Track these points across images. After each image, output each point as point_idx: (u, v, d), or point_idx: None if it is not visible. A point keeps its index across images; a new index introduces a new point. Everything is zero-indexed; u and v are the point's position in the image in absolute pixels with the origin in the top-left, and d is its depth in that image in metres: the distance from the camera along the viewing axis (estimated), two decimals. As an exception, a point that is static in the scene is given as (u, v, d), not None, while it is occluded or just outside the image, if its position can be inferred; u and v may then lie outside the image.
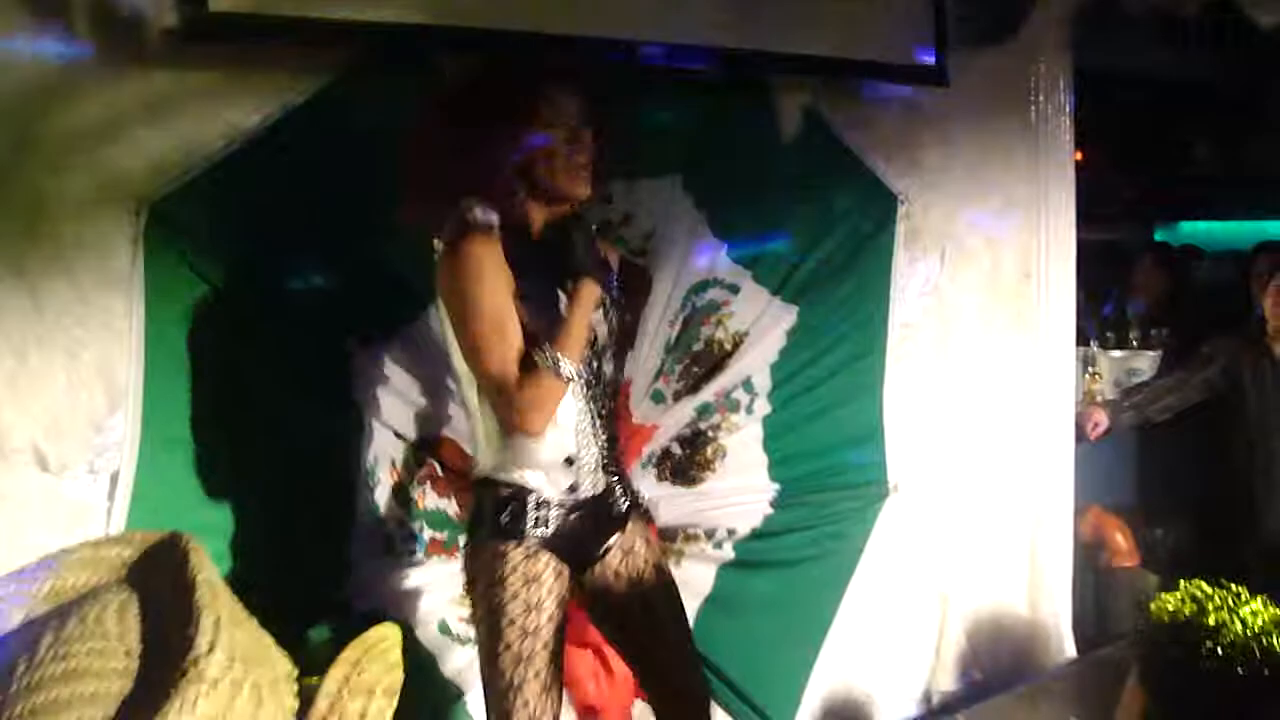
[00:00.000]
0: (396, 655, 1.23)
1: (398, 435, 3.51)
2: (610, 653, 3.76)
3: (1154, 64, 7.54)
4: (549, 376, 2.78)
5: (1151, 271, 6.70)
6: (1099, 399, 5.56)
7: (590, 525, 3.01)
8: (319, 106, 3.25)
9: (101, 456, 3.10)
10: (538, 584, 2.88)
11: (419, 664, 3.49)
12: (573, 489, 2.96)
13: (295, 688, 1.11)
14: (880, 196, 4.39)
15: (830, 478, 4.30)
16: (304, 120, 3.23)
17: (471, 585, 3.01)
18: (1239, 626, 1.18)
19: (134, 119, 3.03)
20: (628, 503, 3.12)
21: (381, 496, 3.51)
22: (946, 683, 4.79)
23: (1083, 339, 5.47)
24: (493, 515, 2.92)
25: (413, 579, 3.55)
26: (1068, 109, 4.89)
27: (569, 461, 2.94)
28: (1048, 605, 5.00)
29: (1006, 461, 4.89)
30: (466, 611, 3.58)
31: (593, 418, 2.97)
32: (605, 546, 3.08)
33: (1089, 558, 5.49)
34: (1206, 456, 5.37)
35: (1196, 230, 10.01)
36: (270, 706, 1.04)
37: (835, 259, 4.23)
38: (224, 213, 3.16)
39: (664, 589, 3.18)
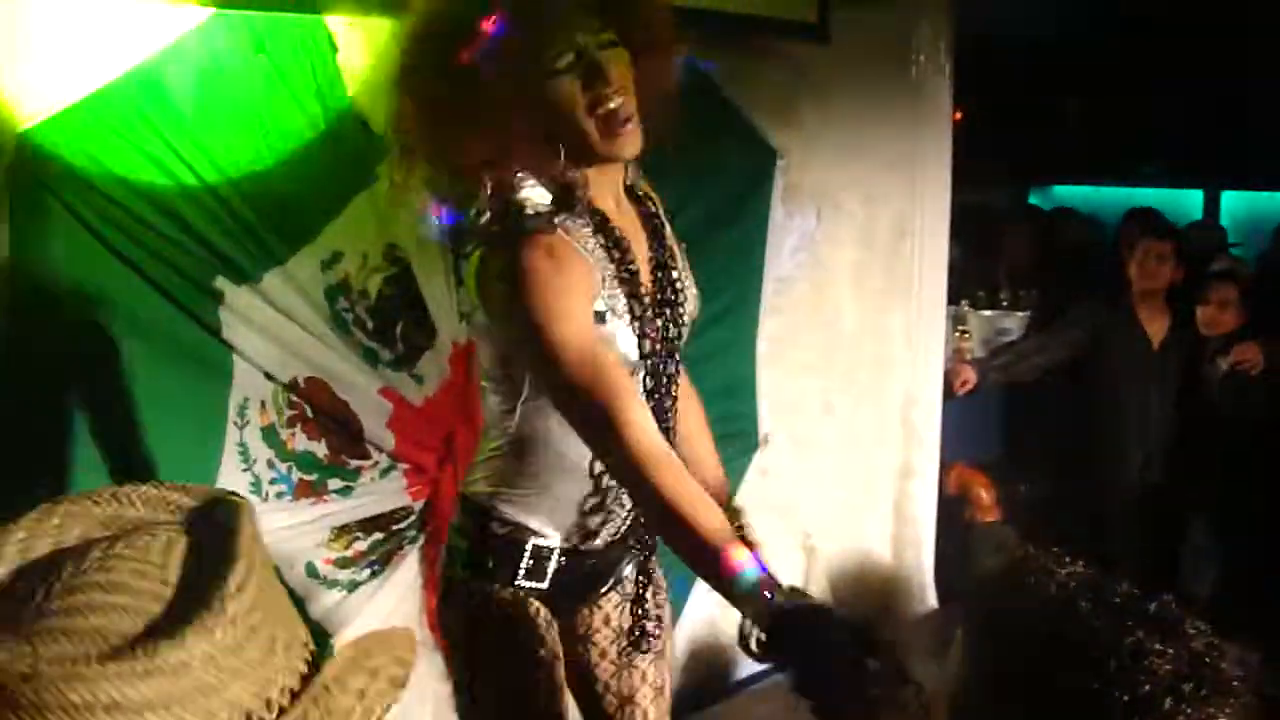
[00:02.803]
0: (408, 654, 1.27)
1: (268, 376, 3.47)
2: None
3: (1035, 28, 7.65)
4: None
5: (1022, 234, 6.83)
6: (968, 357, 5.67)
7: (593, 573, 2.56)
8: (198, 41, 3.18)
9: (-40, 392, 3.03)
10: (528, 632, 2.45)
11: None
12: (586, 537, 2.48)
13: (308, 654, 1.16)
14: (759, 151, 4.40)
15: (701, 428, 4.34)
16: (182, 55, 3.17)
17: (447, 633, 2.66)
18: (1053, 589, 1.21)
19: (4, 45, 2.94)
20: (646, 554, 2.58)
21: (250, 438, 3.48)
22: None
23: (954, 297, 5.56)
24: (478, 552, 2.47)
25: (281, 522, 3.52)
26: (947, 69, 4.94)
27: (591, 510, 2.45)
28: (912, 557, 5.11)
29: (875, 416, 4.96)
30: (334, 555, 3.59)
31: None
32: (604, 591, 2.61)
33: (953, 512, 5.60)
34: (1071, 416, 5.50)
35: (1070, 194, 10.20)
36: (281, 659, 1.11)
37: (712, 212, 4.23)
38: (96, 146, 3.08)
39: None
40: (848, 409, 4.86)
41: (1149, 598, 1.19)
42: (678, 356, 2.46)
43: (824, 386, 4.78)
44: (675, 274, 2.48)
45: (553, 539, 2.43)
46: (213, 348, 3.35)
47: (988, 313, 6.33)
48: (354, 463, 3.60)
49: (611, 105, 2.20)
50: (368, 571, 3.64)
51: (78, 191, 3.06)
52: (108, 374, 3.19)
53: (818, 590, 4.87)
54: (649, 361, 2.34)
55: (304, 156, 3.35)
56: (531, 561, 2.41)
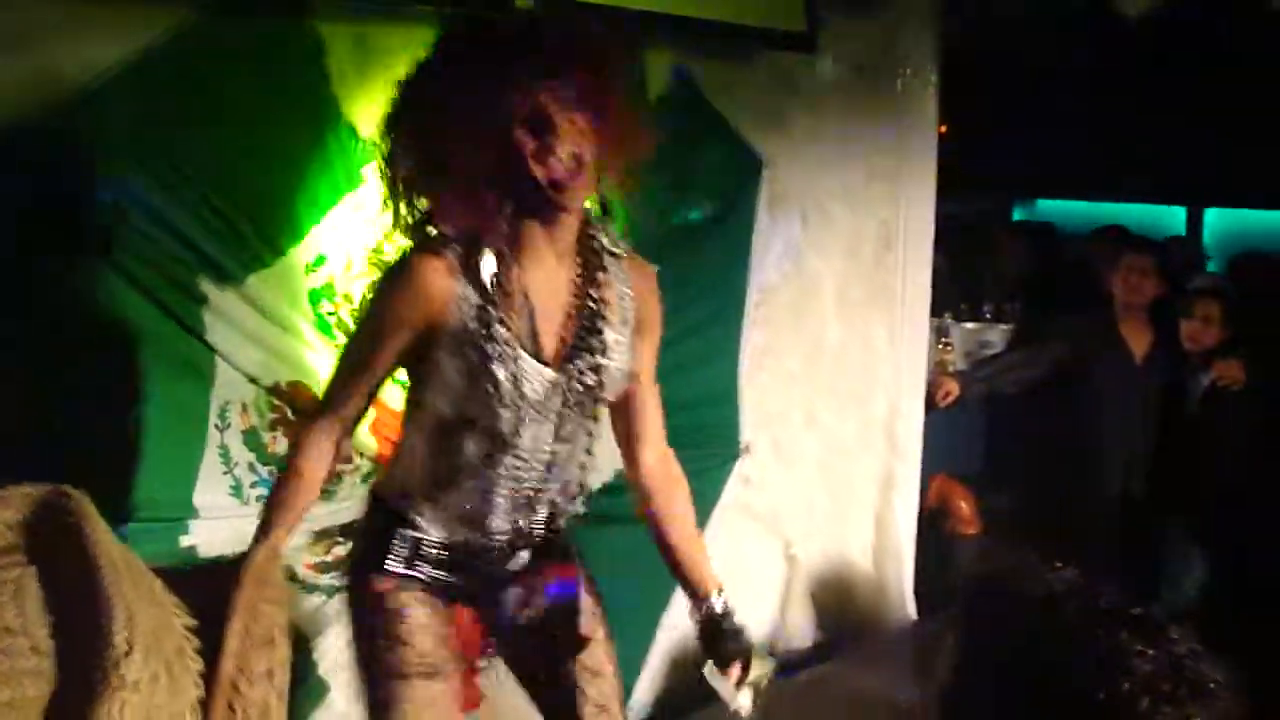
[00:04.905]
0: (278, 573, 1.17)
1: (250, 379, 3.46)
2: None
3: (1021, 41, 7.66)
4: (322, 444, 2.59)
5: (1007, 247, 6.85)
6: (950, 369, 5.68)
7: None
8: (179, 46, 3.17)
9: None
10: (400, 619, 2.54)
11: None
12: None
13: (195, 644, 1.07)
14: (744, 160, 4.40)
15: (683, 436, 4.29)
16: (163, 60, 3.16)
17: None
18: (1041, 592, 1.21)
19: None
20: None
21: (232, 440, 3.47)
22: (791, 642, 4.87)
23: (937, 309, 5.56)
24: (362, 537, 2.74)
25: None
26: (933, 81, 4.96)
27: (470, 520, 2.60)
28: (892, 569, 5.11)
29: (858, 426, 4.97)
30: (314, 559, 3.57)
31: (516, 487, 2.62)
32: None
33: (933, 524, 5.61)
34: (1053, 430, 5.51)
35: (1054, 208, 10.24)
36: (181, 680, 1.02)
37: (697, 220, 4.24)
38: (78, 150, 3.08)
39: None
40: (830, 419, 4.87)
41: (1134, 603, 1.19)
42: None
43: (807, 396, 4.78)
44: (593, 339, 2.55)
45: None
46: (195, 349, 3.33)
47: (970, 325, 6.34)
48: (335, 467, 3.58)
49: (559, 153, 2.28)
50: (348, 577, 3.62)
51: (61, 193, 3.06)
52: (89, 374, 3.17)
53: (797, 600, 4.88)
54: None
55: (290, 159, 3.35)
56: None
